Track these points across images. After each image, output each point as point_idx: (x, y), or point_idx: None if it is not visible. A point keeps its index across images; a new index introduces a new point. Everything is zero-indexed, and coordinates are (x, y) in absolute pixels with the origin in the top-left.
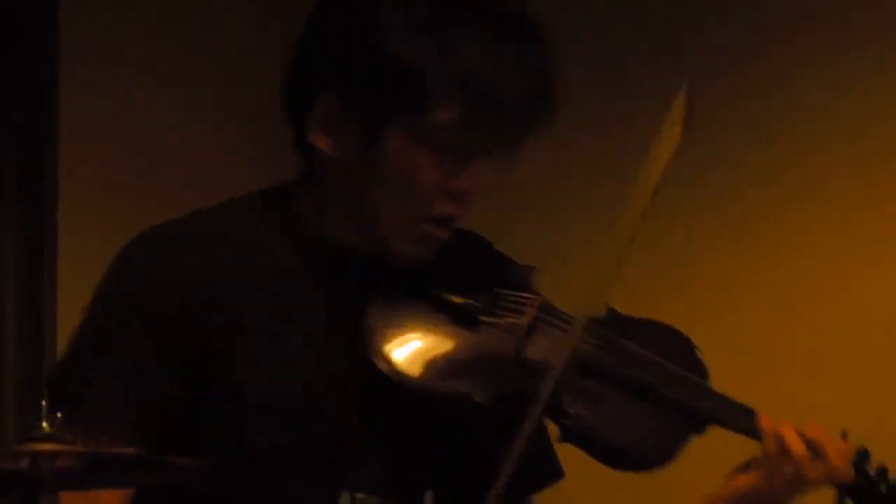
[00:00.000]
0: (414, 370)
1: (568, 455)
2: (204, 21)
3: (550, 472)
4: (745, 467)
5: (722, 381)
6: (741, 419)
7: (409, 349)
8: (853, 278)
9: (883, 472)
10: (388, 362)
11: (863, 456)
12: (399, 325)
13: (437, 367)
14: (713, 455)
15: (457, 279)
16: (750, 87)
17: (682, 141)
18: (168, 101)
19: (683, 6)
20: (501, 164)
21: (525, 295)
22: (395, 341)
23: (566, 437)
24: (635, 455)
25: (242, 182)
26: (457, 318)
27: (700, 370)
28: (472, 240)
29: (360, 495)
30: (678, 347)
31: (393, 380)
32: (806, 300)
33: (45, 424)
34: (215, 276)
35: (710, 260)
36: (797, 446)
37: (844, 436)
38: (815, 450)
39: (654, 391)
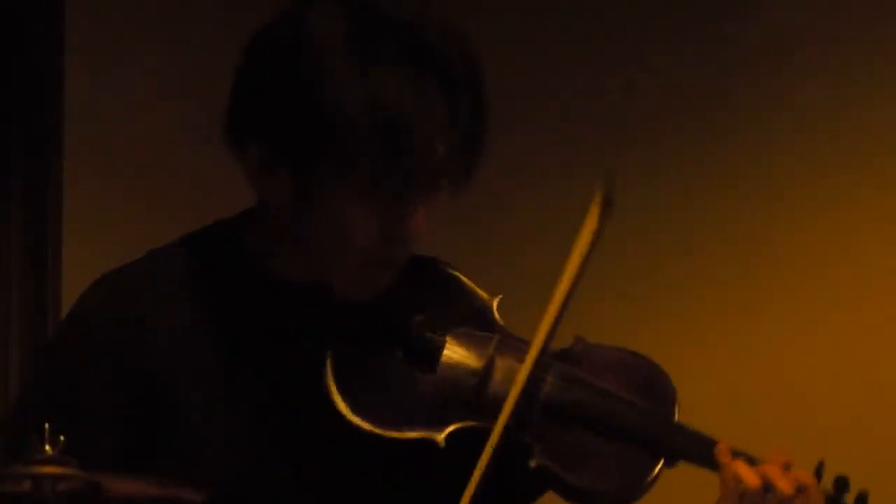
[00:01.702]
0: (374, 417)
1: None
2: (215, 24)
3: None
4: None
5: (729, 399)
6: (706, 453)
7: (367, 396)
8: (863, 297)
9: (862, 498)
10: (348, 410)
11: (841, 486)
12: (356, 369)
13: (396, 414)
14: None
15: (413, 314)
16: (758, 100)
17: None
18: (175, 102)
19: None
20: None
21: (482, 334)
22: (353, 388)
23: (530, 479)
24: (604, 494)
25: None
26: (414, 359)
27: (667, 400)
28: (427, 267)
29: None
30: (645, 378)
31: (353, 427)
32: (815, 317)
33: (47, 447)
34: (164, 326)
35: (715, 275)
36: (752, 481)
37: (819, 470)
38: (767, 485)
39: (617, 428)
